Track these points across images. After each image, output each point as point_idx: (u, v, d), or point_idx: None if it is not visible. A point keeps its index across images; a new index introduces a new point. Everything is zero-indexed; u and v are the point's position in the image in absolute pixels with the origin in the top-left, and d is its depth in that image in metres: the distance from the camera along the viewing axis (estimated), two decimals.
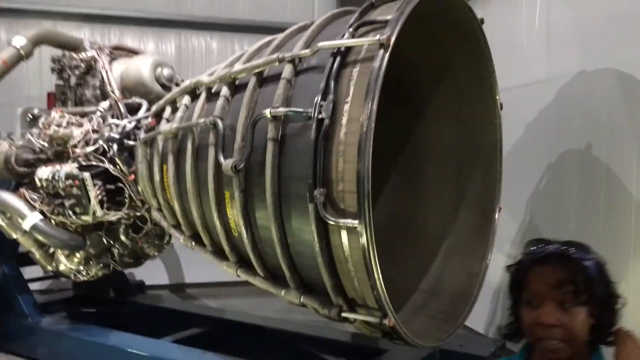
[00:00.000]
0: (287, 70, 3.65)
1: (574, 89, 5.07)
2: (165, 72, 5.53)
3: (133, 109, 5.39)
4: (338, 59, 3.43)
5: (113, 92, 5.43)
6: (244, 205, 3.77)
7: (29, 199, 5.38)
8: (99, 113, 5.35)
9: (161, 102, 4.84)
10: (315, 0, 9.61)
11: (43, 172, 5.18)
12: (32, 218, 5.13)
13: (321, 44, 3.53)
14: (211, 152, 3.93)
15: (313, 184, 3.31)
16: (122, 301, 6.87)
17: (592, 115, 4.80)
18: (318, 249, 3.42)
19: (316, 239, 3.39)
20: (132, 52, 6.09)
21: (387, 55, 3.28)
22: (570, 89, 5.10)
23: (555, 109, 5.33)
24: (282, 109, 3.49)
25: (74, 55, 5.83)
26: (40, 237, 5.18)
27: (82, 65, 5.77)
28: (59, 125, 5.18)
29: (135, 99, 5.43)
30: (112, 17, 8.93)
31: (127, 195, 5.13)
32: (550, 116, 5.42)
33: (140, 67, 5.53)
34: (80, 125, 5.25)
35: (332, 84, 3.37)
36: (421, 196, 5.38)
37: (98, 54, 5.71)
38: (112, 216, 5.12)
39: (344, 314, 3.64)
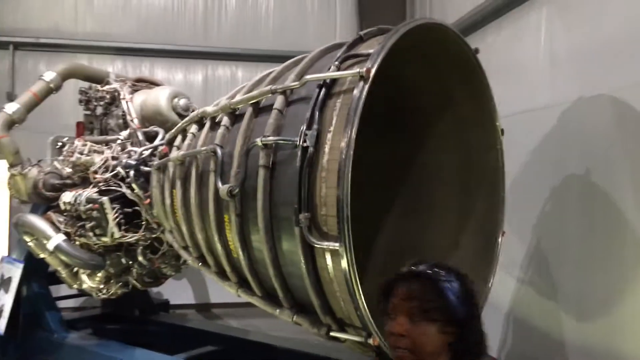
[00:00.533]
0: (279, 101, 3.89)
1: (573, 115, 5.13)
2: (182, 102, 5.86)
3: (151, 137, 5.74)
4: (323, 90, 3.65)
5: (132, 121, 5.78)
6: (240, 228, 4.00)
7: (56, 222, 5.76)
8: (119, 141, 5.70)
9: (173, 130, 5.15)
10: (336, 28, 9.93)
11: (67, 197, 5.55)
12: (55, 239, 5.48)
13: (308, 76, 3.76)
14: (212, 178, 4.18)
15: (298, 209, 3.51)
16: (145, 319, 7.17)
17: (590, 141, 4.85)
18: (305, 271, 3.60)
19: (303, 261, 3.58)
20: (153, 84, 6.47)
21: (366, 86, 3.47)
22: (569, 115, 5.16)
23: (556, 135, 5.38)
24: (271, 138, 3.72)
25: (99, 87, 6.24)
26: (63, 257, 5.53)
27: (107, 96, 6.16)
28: (81, 153, 5.56)
29: (153, 128, 5.77)
30: (144, 50, 9.45)
31: (143, 218, 5.45)
32: (552, 142, 5.48)
33: (158, 98, 5.88)
34: (101, 152, 5.62)
35: (317, 114, 3.58)
36: (426, 221, 5.49)
37: (120, 87, 6.09)
38: (130, 238, 5.43)
39: (332, 333, 3.80)
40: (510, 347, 6.11)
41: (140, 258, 5.73)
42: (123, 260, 5.74)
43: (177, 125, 5.11)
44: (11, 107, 5.92)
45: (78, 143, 5.64)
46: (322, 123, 3.57)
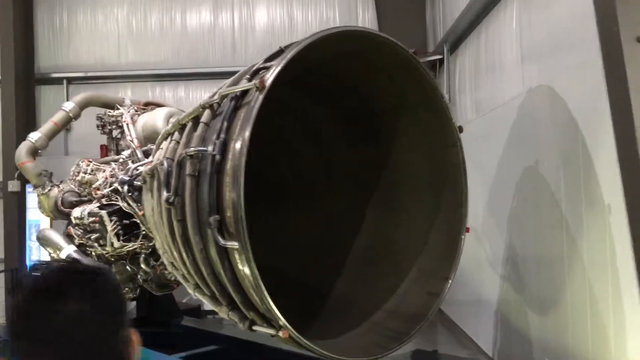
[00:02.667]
0: (205, 115, 4.24)
1: (525, 108, 5.03)
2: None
3: (149, 155, 6.30)
4: (232, 103, 3.96)
5: (132, 141, 6.38)
6: (183, 232, 4.37)
7: (74, 234, 6.47)
8: (120, 160, 6.32)
9: (154, 147, 5.66)
10: None
11: (76, 212, 6.24)
12: (67, 250, 6.18)
13: (220, 90, 4.10)
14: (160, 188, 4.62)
15: (210, 212, 3.84)
16: (169, 323, 7.75)
17: (535, 132, 4.74)
18: (221, 269, 3.91)
19: (218, 260, 3.89)
20: (159, 106, 7.07)
21: (261, 96, 3.75)
22: (522, 108, 5.06)
23: (514, 128, 5.29)
24: (192, 149, 4.08)
25: (109, 112, 6.94)
26: None
27: (115, 120, 6.84)
28: (85, 172, 6.23)
29: (151, 146, 6.32)
30: (179, 75, 10.22)
31: (142, 229, 6.00)
32: (513, 134, 5.38)
33: (155, 118, 6.45)
34: (104, 171, 6.25)
35: (225, 124, 3.90)
36: (399, 221, 5.61)
37: (126, 110, 6.74)
38: (129, 247, 5.99)
39: (254, 327, 4.07)
40: (502, 343, 6.01)
41: (143, 266, 6.27)
42: (128, 268, 6.30)
43: (156, 142, 5.61)
44: (34, 136, 6.76)
45: (82, 163, 6.32)
46: (229, 132, 3.88)
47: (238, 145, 3.70)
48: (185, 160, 4.18)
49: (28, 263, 8.78)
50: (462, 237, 5.19)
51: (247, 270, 3.69)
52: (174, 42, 10.32)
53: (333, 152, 5.94)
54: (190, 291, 4.82)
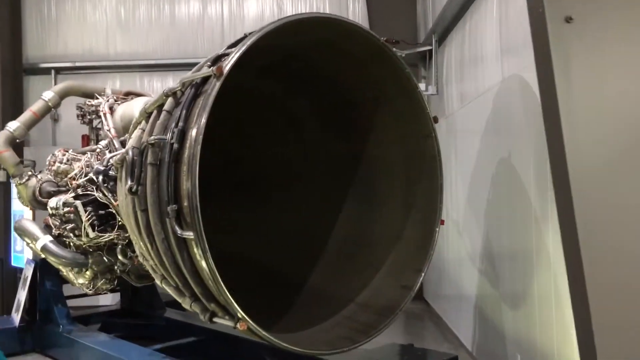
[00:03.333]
0: (168, 103, 4.16)
1: (499, 99, 4.93)
2: None
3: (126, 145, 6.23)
4: (192, 90, 3.89)
5: (110, 131, 6.31)
6: (146, 222, 4.30)
7: (51, 225, 6.42)
8: (97, 150, 6.26)
9: (128, 136, 5.59)
10: None
11: (52, 202, 6.18)
12: (42, 240, 6.13)
13: (182, 77, 4.02)
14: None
15: (168, 202, 3.77)
16: (150, 315, 7.71)
17: (508, 123, 4.64)
18: (180, 260, 3.85)
19: (176, 250, 3.83)
20: (139, 96, 6.99)
21: (218, 83, 3.68)
22: (497, 99, 4.96)
23: (490, 119, 5.19)
24: (152, 138, 4.01)
25: (89, 102, 6.87)
26: (49, 257, 6.16)
27: (95, 110, 6.77)
28: (61, 162, 6.17)
29: (128, 136, 6.26)
30: (167, 65, 10.15)
31: (118, 219, 5.93)
32: (489, 126, 5.29)
33: (132, 108, 6.37)
34: (79, 161, 6.19)
35: (184, 112, 3.83)
36: (376, 214, 5.53)
37: (105, 100, 6.67)
38: (104, 237, 5.93)
39: (214, 319, 4.01)
40: (479, 340, 5.93)
41: (120, 257, 6.21)
42: (105, 259, 6.24)
43: (129, 131, 5.54)
44: (12, 125, 6.70)
45: (58, 153, 6.26)
46: (188, 121, 3.80)
47: (194, 133, 3.63)
48: (147, 149, 4.12)
49: (12, 254, 8.76)
50: (437, 229, 5.12)
51: (202, 262, 3.63)
52: (162, 33, 10.23)
53: (314, 144, 5.86)
54: (158, 282, 4.75)
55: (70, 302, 8.81)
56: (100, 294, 6.61)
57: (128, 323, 7.59)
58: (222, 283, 3.63)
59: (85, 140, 7.35)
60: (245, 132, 6.13)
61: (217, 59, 3.99)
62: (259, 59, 4.96)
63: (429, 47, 8.86)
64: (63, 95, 7.02)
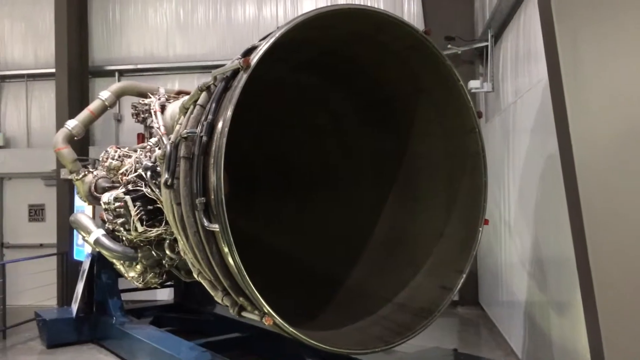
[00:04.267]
0: (202, 97, 4.20)
1: (542, 94, 4.65)
2: None
3: None
4: (223, 83, 3.90)
5: (159, 128, 6.46)
6: (180, 215, 4.36)
7: (106, 219, 6.66)
8: (148, 147, 6.43)
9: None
10: None
11: (104, 197, 6.40)
12: (95, 233, 6.36)
13: (214, 71, 4.04)
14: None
15: (197, 194, 3.80)
16: (200, 310, 7.85)
17: (545, 120, 4.37)
18: (209, 253, 3.86)
19: (205, 243, 3.84)
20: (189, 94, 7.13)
21: (245, 75, 3.66)
22: (546, 92, 4.67)
23: (539, 114, 4.90)
24: (185, 131, 4.05)
25: (142, 101, 7.08)
26: (101, 250, 6.38)
27: (148, 109, 6.96)
28: (112, 158, 6.38)
29: None
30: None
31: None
32: (539, 121, 4.99)
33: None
34: (130, 157, 6.39)
35: (213, 106, 3.84)
36: (417, 211, 5.37)
37: (157, 99, 6.85)
38: (152, 232, 6.08)
39: (243, 313, 3.99)
40: (529, 348, 5.62)
41: (167, 252, 6.35)
42: (154, 253, 6.40)
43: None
44: (71, 123, 7.00)
45: (110, 150, 6.48)
46: (217, 114, 3.82)
47: (220, 125, 3.63)
48: (181, 143, 4.17)
49: (75, 248, 9.18)
50: (480, 229, 4.90)
51: (228, 255, 3.62)
52: (219, 34, 10.45)
53: (355, 140, 5.78)
54: (195, 276, 4.81)
55: (130, 296, 9.15)
56: (150, 288, 6.78)
57: (179, 317, 7.77)
58: (247, 276, 3.60)
59: (140, 138, 7.57)
60: (290, 128, 6.13)
61: (248, 52, 3.97)
62: (297, 53, 4.95)
63: (485, 43, 8.56)
64: (119, 94, 7.28)
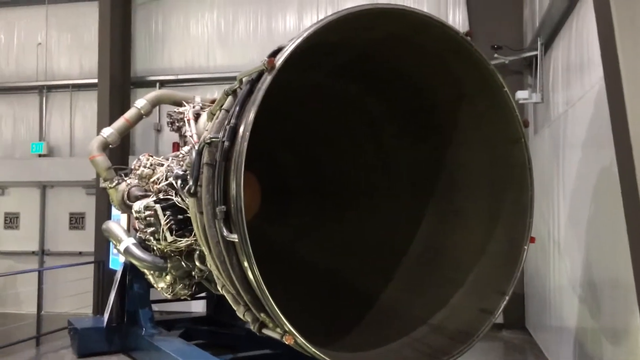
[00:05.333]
0: (228, 101, 4.01)
1: (602, 101, 4.24)
2: None
3: None
4: (248, 86, 3.70)
5: (192, 136, 6.34)
6: (203, 225, 4.16)
7: (137, 228, 6.56)
8: (180, 155, 6.31)
9: None
10: None
11: (136, 205, 6.29)
12: (125, 242, 6.26)
13: (239, 74, 3.84)
14: None
15: (217, 202, 3.59)
16: (232, 324, 7.64)
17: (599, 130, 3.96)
18: (229, 264, 3.63)
19: (225, 254, 3.62)
20: None
21: (270, 77, 3.45)
22: (599, 102, 4.28)
23: (591, 124, 4.49)
24: (209, 137, 3.87)
25: (177, 109, 6.99)
26: (130, 259, 6.27)
27: (182, 117, 6.87)
28: (144, 167, 6.28)
29: None
30: None
31: None
32: (591, 131, 4.58)
33: None
34: (162, 165, 6.28)
35: (237, 109, 3.64)
36: (457, 226, 5.02)
37: (191, 107, 6.74)
38: (183, 243, 5.92)
39: (263, 330, 3.74)
40: None
41: (197, 262, 6.17)
42: (183, 264, 6.24)
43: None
44: (106, 131, 6.97)
45: (143, 158, 6.39)
46: (240, 117, 3.61)
47: (242, 129, 3.42)
48: (205, 149, 3.99)
49: (111, 257, 9.17)
50: (525, 247, 4.51)
51: (247, 268, 3.39)
52: (260, 45, 10.38)
53: (393, 148, 5.49)
54: (219, 288, 4.61)
55: (166, 307, 9.07)
56: (181, 299, 6.62)
57: (209, 330, 7.57)
58: (266, 291, 3.36)
59: (176, 147, 7.48)
60: (325, 137, 5.88)
61: (274, 53, 3.77)
62: (331, 56, 4.72)
63: (534, 52, 8.14)
64: (154, 103, 7.22)
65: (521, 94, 7.82)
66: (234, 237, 3.38)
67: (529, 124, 4.46)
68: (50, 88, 11.26)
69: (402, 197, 5.32)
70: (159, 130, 10.67)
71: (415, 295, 4.79)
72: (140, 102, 7.15)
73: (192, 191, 4.07)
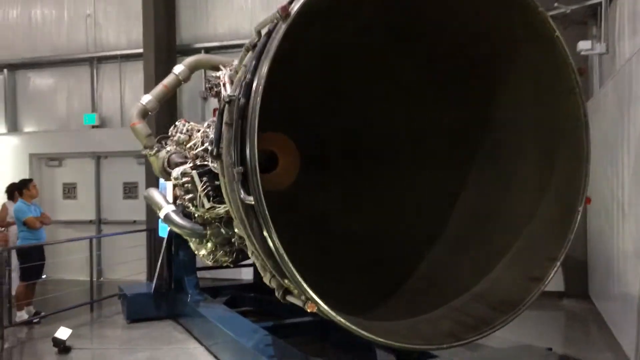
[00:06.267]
0: (248, 57, 3.79)
1: None
2: None
3: None
4: (264, 38, 3.44)
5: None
6: (225, 188, 4.00)
7: (177, 194, 6.51)
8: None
9: None
10: None
11: (174, 172, 6.23)
12: (165, 209, 6.22)
13: (255, 26, 3.58)
14: None
15: (234, 163, 3.39)
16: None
17: None
18: (249, 228, 3.45)
19: (244, 217, 3.43)
20: None
21: (284, 26, 3.19)
22: None
23: None
24: (227, 94, 3.65)
25: (214, 74, 6.82)
26: (170, 226, 6.23)
27: (219, 82, 6.70)
28: (181, 132, 6.18)
29: None
30: None
31: None
32: None
33: None
34: (199, 131, 6.16)
35: (253, 63, 3.40)
36: (502, 189, 4.62)
37: (226, 71, 6.56)
38: (221, 209, 5.81)
39: (287, 297, 3.56)
40: None
41: (236, 229, 6.07)
42: (222, 231, 6.14)
43: None
44: (145, 98, 6.91)
45: (179, 123, 6.28)
46: (255, 72, 3.37)
47: (254, 84, 3.17)
48: (226, 109, 3.78)
49: (160, 224, 9.26)
50: (579, 209, 4.08)
51: (264, 232, 3.19)
52: None
53: (432, 109, 5.09)
54: (249, 254, 4.45)
55: (215, 274, 9.10)
56: (222, 267, 6.57)
57: (255, 298, 7.51)
58: (285, 255, 3.16)
59: (215, 112, 7.36)
60: (362, 100, 5.55)
61: (291, 2, 3.48)
62: (361, 10, 4.36)
63: (598, 0, 7.42)
64: (193, 68, 7.09)
65: (584, 45, 7.15)
66: (251, 200, 3.18)
67: (586, 71, 3.98)
68: (101, 59, 11.37)
69: (443, 162, 4.95)
70: (205, 98, 10.58)
71: (457, 264, 4.46)
72: (178, 68, 7.04)
73: (214, 153, 3.91)
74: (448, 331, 3.79)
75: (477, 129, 4.71)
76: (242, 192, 3.30)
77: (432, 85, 4.90)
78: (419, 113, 5.02)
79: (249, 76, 3.36)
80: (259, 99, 3.10)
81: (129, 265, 10.08)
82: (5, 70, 11.88)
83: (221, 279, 9.58)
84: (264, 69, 3.12)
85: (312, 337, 5.87)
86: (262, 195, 3.09)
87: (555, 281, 4.31)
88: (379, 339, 3.36)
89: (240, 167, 3.33)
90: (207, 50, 10.52)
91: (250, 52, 3.77)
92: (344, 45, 4.82)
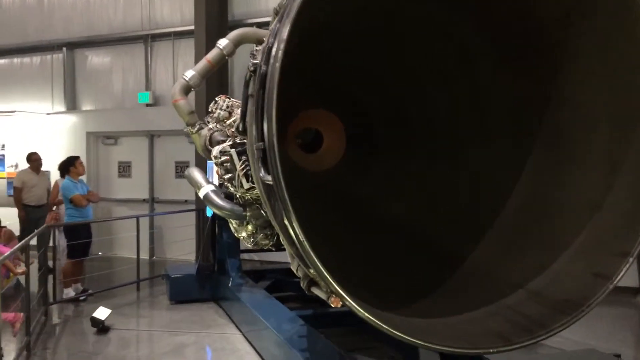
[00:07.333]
0: (274, 22, 3.43)
1: None
2: None
3: None
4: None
5: None
6: (253, 166, 3.68)
7: (218, 173, 6.28)
8: None
9: None
10: None
11: (214, 151, 5.99)
12: (205, 189, 6.00)
13: None
14: None
15: (256, 138, 3.05)
16: None
17: None
18: (271, 211, 3.12)
19: (265, 199, 3.10)
20: None
21: None
22: None
23: None
24: (250, 63, 3.32)
25: (256, 47, 6.50)
26: (210, 206, 6.01)
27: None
28: (221, 109, 5.91)
29: None
30: None
31: None
32: None
33: None
34: (239, 107, 5.87)
35: (277, 27, 3.05)
36: (566, 175, 4.06)
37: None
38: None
39: (312, 289, 3.21)
40: None
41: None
42: (262, 213, 5.88)
43: None
44: (188, 74, 6.68)
45: (219, 99, 6.01)
46: (276, 38, 3.00)
47: (274, 50, 2.81)
48: (251, 79, 3.45)
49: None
50: None
51: (283, 215, 2.84)
52: None
53: (489, 85, 4.56)
54: (282, 240, 4.13)
55: (264, 257, 8.89)
56: (263, 250, 6.32)
57: (298, 283, 7.23)
58: (305, 242, 2.78)
59: None
60: (412, 74, 5.07)
61: None
62: None
63: None
64: (237, 42, 6.79)
65: None
66: (269, 179, 2.83)
67: None
68: (155, 37, 11.32)
69: (500, 144, 4.42)
70: None
71: (510, 257, 3.96)
72: (223, 41, 6.75)
73: (240, 128, 3.60)
74: (497, 333, 3.34)
75: (537, 108, 4.16)
76: (262, 170, 2.96)
77: (488, 59, 4.36)
78: (477, 87, 4.50)
79: (271, 40, 3.01)
80: (278, 64, 2.73)
81: (181, 245, 10.07)
82: (64, 49, 12.06)
83: (268, 261, 9.40)
84: (284, 32, 2.75)
85: (351, 328, 5.53)
86: (281, 174, 2.73)
87: (628, 276, 3.76)
88: (417, 342, 2.96)
89: (260, 143, 2.99)
90: (259, 25, 10.22)
91: (278, 23, 3.41)
92: (395, 11, 4.37)
